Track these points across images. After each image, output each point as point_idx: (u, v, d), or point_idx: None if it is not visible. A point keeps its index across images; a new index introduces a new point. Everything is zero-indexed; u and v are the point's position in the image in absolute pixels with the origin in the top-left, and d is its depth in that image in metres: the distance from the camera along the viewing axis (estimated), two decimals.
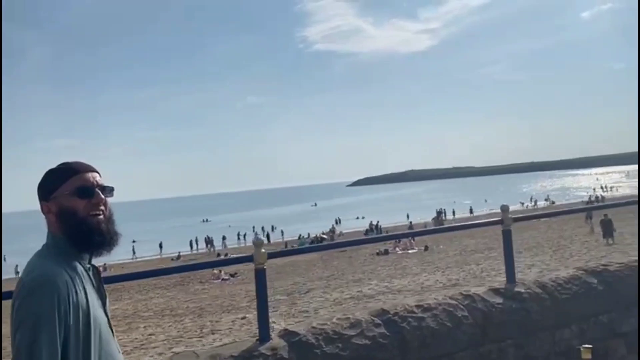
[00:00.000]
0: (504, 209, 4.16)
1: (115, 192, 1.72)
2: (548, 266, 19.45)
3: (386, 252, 30.83)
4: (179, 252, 42.95)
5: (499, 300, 3.76)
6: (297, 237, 47.71)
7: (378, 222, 51.70)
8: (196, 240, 51.13)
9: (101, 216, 1.64)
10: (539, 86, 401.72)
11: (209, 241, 50.73)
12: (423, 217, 56.31)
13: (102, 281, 1.70)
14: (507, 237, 4.15)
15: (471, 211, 63.70)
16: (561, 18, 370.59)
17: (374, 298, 17.04)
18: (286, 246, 44.07)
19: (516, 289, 3.91)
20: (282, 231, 55.70)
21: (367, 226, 55.32)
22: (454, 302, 3.63)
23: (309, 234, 49.61)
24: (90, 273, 1.64)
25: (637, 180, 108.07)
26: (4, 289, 2.39)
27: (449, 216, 62.02)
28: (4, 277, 24.20)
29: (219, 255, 42.47)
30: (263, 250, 3.14)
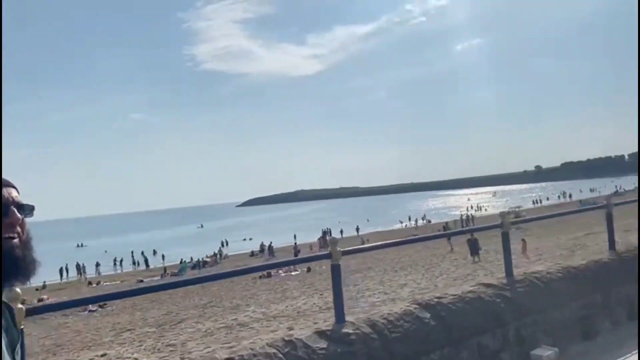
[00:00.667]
0: (332, 241, 3.91)
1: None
2: (419, 285, 20.13)
3: (269, 275, 30.36)
4: (44, 282, 39.08)
5: (323, 344, 3.47)
6: (178, 262, 45.61)
7: (271, 242, 50.92)
8: (66, 268, 46.99)
9: (16, 239, 1.29)
10: (418, 112, 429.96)
11: (80, 268, 46.94)
12: (310, 237, 56.71)
13: (14, 320, 1.35)
14: (335, 272, 3.89)
15: (357, 230, 65.30)
16: (437, 49, 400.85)
17: (248, 326, 16.44)
18: (165, 271, 41.99)
19: (344, 330, 3.65)
20: (162, 255, 53.09)
21: (254, 247, 54.57)
22: (272, 350, 3.27)
23: (191, 258, 47.73)
24: None
25: (504, 199, 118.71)
26: None
27: (337, 236, 63.10)
28: None
29: (90, 283, 39.28)
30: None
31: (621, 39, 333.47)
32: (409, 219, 79.29)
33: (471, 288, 4.64)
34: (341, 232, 65.52)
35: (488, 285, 4.71)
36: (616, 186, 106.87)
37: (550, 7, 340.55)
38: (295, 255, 40.36)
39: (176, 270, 41.56)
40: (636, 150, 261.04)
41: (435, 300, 4.34)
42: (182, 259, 46.36)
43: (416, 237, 25.17)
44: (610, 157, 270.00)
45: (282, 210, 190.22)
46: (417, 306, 4.22)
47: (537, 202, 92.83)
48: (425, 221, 74.35)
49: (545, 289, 4.94)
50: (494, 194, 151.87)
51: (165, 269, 43.54)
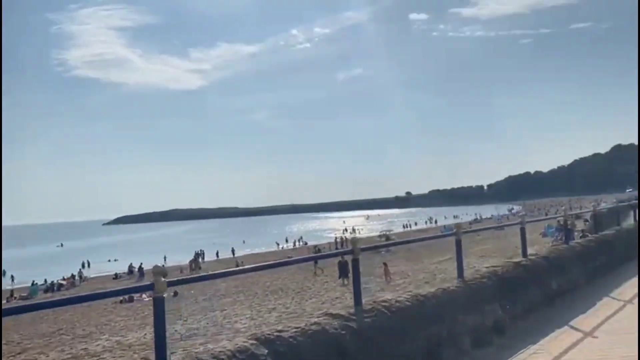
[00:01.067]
0: (157, 271, 3.36)
1: None
2: (288, 309, 19.86)
3: (131, 300, 28.29)
4: None
5: None
6: (29, 284, 41.10)
7: (141, 264, 47.48)
8: None
9: None
10: (299, 135, 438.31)
11: None
12: (182, 258, 54.23)
13: None
14: (158, 307, 3.35)
15: (233, 252, 63.84)
16: (320, 76, 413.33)
17: (99, 357, 14.96)
18: (12, 295, 37.50)
19: None
20: (12, 276, 47.62)
21: (120, 269, 51.04)
22: None
23: (45, 280, 43.28)
24: None
25: (377, 223, 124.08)
26: None
27: (212, 257, 61.16)
28: None
29: None
30: None
31: (488, 80, 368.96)
32: (286, 240, 79.54)
33: (316, 319, 4.32)
34: (217, 253, 63.66)
35: (335, 316, 4.43)
36: (476, 214, 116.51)
37: (431, 46, 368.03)
38: None
39: (25, 294, 37.40)
40: (493, 182, 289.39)
41: (276, 334, 3.95)
42: (33, 281, 41.83)
43: (290, 259, 24.96)
44: (471, 186, 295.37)
45: (154, 229, 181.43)
46: (254, 342, 3.79)
47: (407, 226, 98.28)
48: (302, 243, 74.96)
49: (393, 318, 4.78)
50: (367, 217, 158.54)
51: (12, 292, 38.94)
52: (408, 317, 4.92)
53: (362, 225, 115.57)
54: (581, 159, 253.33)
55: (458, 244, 6.45)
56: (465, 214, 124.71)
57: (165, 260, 54.38)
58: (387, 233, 64.52)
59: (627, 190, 65.37)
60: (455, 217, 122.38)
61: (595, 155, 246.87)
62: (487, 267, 6.97)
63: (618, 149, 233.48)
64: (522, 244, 8.08)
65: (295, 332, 4.04)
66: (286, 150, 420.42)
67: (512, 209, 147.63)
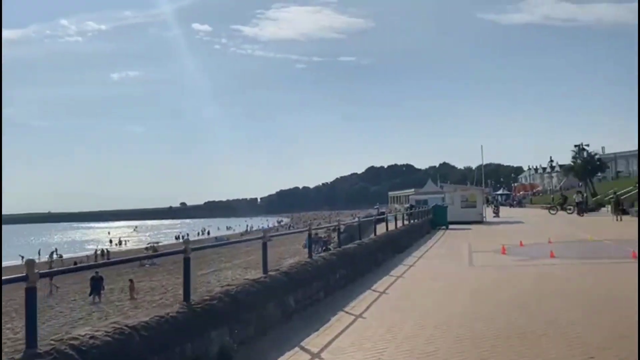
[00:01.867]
0: None
1: None
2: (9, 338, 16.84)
3: None
4: None
5: None
6: None
7: None
8: None
9: None
10: (64, 136, 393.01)
11: None
12: None
13: None
14: None
15: None
16: (92, 73, 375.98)
17: None
18: None
19: None
20: None
21: None
22: None
23: None
24: None
25: (146, 234, 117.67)
26: None
27: None
28: None
29: None
30: None
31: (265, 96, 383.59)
32: (39, 253, 70.50)
33: None
34: None
35: None
36: (247, 225, 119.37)
37: (213, 58, 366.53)
38: None
39: None
40: (266, 195, 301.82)
41: None
42: None
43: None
44: (246, 199, 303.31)
45: None
46: None
47: (179, 238, 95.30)
48: (56, 256, 66.81)
49: None
50: (135, 228, 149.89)
51: None
52: (106, 358, 4.00)
53: (130, 236, 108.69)
54: (342, 177, 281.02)
55: (186, 263, 5.74)
56: (238, 225, 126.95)
57: None
58: (155, 245, 61.37)
59: (375, 207, 73.47)
60: (228, 228, 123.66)
61: (353, 175, 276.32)
62: (221, 287, 6.43)
63: (371, 170, 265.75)
64: (262, 260, 7.77)
65: None
66: (49, 152, 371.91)
67: (282, 220, 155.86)
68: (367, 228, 17.64)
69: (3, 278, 3.81)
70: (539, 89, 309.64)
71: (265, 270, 7.56)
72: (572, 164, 57.00)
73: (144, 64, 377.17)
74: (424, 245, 20.36)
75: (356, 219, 17.11)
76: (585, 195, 45.87)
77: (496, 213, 43.47)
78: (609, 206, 38.04)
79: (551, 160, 63.60)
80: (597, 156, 57.90)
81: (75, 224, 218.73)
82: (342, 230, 13.71)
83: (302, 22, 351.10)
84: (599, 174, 60.29)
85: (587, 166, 55.16)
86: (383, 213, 32.47)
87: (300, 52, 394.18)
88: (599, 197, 48.42)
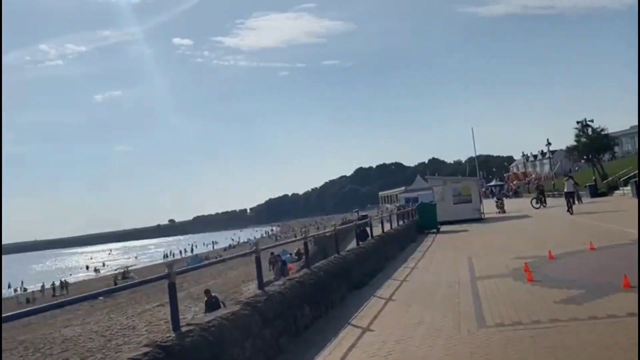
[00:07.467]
0: None
1: None
2: None
3: None
4: None
5: None
6: None
7: None
8: None
9: None
10: (48, 161, 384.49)
11: None
12: None
13: None
14: None
15: None
16: (75, 96, 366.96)
17: None
18: None
19: None
20: None
21: None
22: None
23: None
24: None
25: (130, 256, 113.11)
26: None
27: None
28: None
29: None
30: None
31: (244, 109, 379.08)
32: (9, 286, 67.04)
33: None
34: None
35: None
36: (232, 239, 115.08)
37: (196, 71, 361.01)
38: None
39: None
40: (255, 205, 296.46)
41: None
42: None
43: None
44: (235, 211, 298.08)
45: None
46: None
47: (167, 256, 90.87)
48: (21, 289, 62.99)
49: None
50: (110, 251, 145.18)
51: None
52: None
53: (113, 259, 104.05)
54: (330, 181, 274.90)
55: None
56: (226, 238, 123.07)
57: None
58: (127, 269, 56.86)
59: (354, 211, 67.69)
60: (215, 243, 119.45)
61: (342, 177, 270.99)
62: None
63: (360, 171, 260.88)
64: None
65: None
66: (36, 178, 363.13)
67: (272, 230, 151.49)
68: (345, 237, 13.73)
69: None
70: (525, 77, 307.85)
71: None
72: (575, 143, 49.37)
73: (127, 82, 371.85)
74: (403, 265, 13.49)
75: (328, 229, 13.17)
76: (578, 183, 31.33)
77: (501, 208, 34.21)
78: (624, 189, 33.23)
79: (549, 143, 57.62)
80: (603, 132, 47.96)
81: (64, 250, 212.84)
82: (306, 245, 9.76)
83: (283, 29, 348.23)
84: (608, 153, 52.33)
85: (594, 144, 46.44)
86: (366, 217, 26.82)
87: (283, 59, 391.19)
88: (609, 179, 42.28)
